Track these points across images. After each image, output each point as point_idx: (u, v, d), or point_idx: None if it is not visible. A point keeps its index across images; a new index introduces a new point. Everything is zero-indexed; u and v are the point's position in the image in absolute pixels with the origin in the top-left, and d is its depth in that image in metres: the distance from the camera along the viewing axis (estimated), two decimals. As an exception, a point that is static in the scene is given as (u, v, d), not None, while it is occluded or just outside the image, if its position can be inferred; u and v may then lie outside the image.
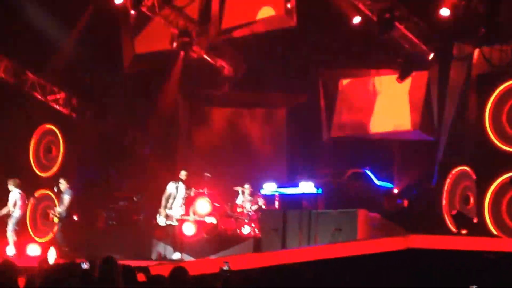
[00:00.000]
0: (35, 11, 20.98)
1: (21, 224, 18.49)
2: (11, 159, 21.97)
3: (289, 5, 20.04)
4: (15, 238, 17.99)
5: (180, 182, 16.91)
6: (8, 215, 18.05)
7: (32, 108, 22.30)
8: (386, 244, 12.19)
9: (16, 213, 18.02)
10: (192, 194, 17.25)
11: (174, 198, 16.84)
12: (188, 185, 16.97)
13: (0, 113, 22.11)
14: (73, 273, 8.19)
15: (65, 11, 20.97)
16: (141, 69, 22.18)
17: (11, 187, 18.13)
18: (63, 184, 17.51)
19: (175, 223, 16.65)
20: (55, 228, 17.53)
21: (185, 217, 17.20)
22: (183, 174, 17.03)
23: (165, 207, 16.83)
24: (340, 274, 6.72)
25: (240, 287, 7.72)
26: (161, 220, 16.93)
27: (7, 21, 21.33)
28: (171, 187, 16.93)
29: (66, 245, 16.88)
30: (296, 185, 17.94)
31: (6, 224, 18.07)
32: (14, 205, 18.04)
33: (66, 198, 17.18)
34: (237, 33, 21.03)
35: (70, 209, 17.24)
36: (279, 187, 18.56)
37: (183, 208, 16.92)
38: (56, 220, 17.22)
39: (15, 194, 18.07)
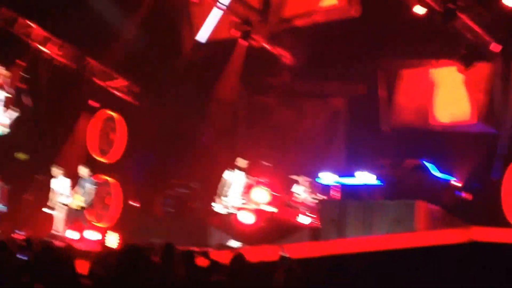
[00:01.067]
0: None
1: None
2: (72, 145, 22.28)
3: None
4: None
5: (237, 170, 16.94)
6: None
7: (92, 94, 22.54)
8: (447, 236, 12.05)
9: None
10: (250, 181, 17.27)
11: (230, 186, 16.87)
12: (246, 172, 17.00)
13: (60, 99, 22.41)
14: (135, 257, 8.24)
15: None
16: (201, 57, 22.25)
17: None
18: (86, 172, 17.66)
19: (233, 211, 16.71)
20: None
21: (243, 206, 17.22)
22: (241, 162, 17.06)
23: (222, 195, 16.88)
24: (399, 265, 6.64)
25: (302, 275, 7.69)
26: (218, 208, 16.99)
27: (69, 6, 21.61)
28: (227, 175, 16.99)
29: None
30: (354, 176, 17.85)
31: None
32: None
33: (92, 188, 17.39)
34: (298, 22, 20.96)
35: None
36: (337, 177, 18.48)
37: (241, 196, 16.95)
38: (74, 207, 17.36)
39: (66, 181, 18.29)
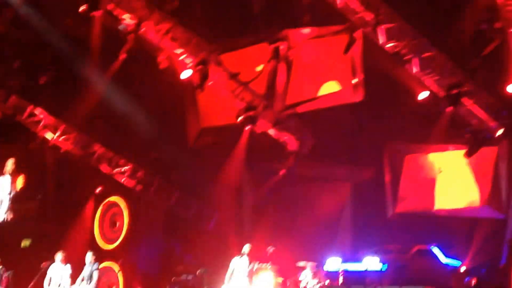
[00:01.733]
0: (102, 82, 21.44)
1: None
2: (77, 232, 22.21)
3: (355, 80, 20.04)
4: None
5: (244, 256, 16.82)
6: None
7: (98, 181, 22.56)
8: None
9: None
10: (254, 268, 17.10)
11: (237, 273, 16.73)
12: (251, 258, 16.85)
13: (66, 186, 22.45)
14: None
15: (132, 82, 21.39)
16: (206, 143, 22.31)
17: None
18: (89, 258, 17.55)
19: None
20: None
21: None
22: (246, 247, 16.96)
23: (228, 281, 16.73)
24: None
25: None
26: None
27: (76, 93, 21.84)
28: (234, 262, 16.87)
29: None
30: (360, 260, 17.68)
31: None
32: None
33: (95, 273, 17.24)
34: (302, 108, 21.08)
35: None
36: (343, 262, 18.30)
37: (247, 282, 16.75)
38: None
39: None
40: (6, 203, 17.00)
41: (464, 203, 20.29)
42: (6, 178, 17.36)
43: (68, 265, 18.17)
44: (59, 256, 18.16)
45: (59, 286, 18.00)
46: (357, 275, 17.35)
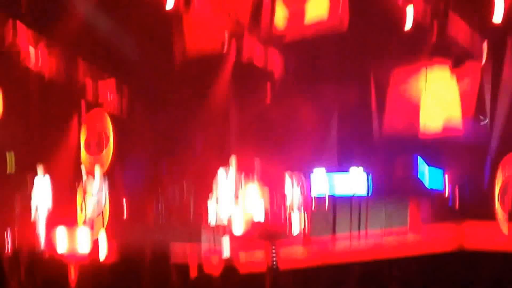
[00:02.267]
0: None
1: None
2: (61, 148, 22.27)
3: (339, 11, 20.01)
4: None
5: (230, 168, 16.94)
6: None
7: (83, 99, 22.51)
8: (438, 245, 12.07)
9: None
10: (242, 182, 17.18)
11: (224, 193, 16.80)
12: (238, 170, 16.99)
13: (51, 103, 22.38)
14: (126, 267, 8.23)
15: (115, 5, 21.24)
16: (192, 71, 22.27)
17: None
18: (97, 171, 17.72)
19: (225, 218, 16.63)
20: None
21: (235, 211, 17.04)
22: (232, 159, 17.10)
23: (215, 202, 16.84)
24: (389, 276, 6.68)
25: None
26: (211, 215, 16.90)
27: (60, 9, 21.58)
28: (221, 180, 16.93)
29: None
30: (346, 171, 17.84)
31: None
32: None
33: (104, 194, 17.43)
34: (287, 36, 21.03)
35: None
36: (329, 172, 18.47)
37: (233, 203, 16.84)
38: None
39: None
40: None
41: (448, 121, 20.39)
42: None
43: (47, 176, 18.25)
44: (40, 168, 18.26)
45: (42, 197, 18.17)
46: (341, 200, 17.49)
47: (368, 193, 16.77)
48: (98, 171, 17.92)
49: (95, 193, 17.68)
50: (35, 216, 18.07)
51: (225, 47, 20.60)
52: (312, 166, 19.18)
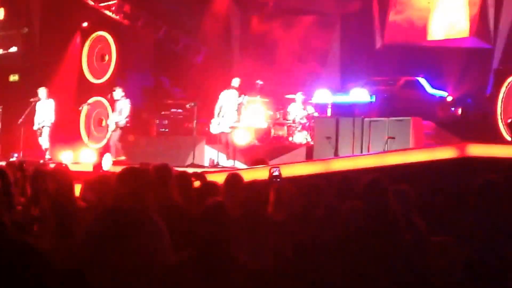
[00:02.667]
0: None
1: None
2: (65, 66, 22.20)
3: None
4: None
5: (233, 89, 16.94)
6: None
7: (84, 16, 22.33)
8: (441, 152, 12.07)
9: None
10: (244, 101, 17.24)
11: (227, 106, 16.90)
12: (240, 92, 16.99)
13: (53, 21, 22.22)
14: (132, 179, 8.25)
15: None
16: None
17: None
18: (118, 93, 17.72)
19: (227, 131, 16.77)
20: (111, 135, 17.81)
21: (237, 124, 17.22)
22: (235, 81, 17.06)
23: (218, 115, 16.92)
24: (393, 182, 6.70)
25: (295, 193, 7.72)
26: (213, 128, 17.05)
27: None
28: (224, 95, 17.00)
29: (124, 153, 17.17)
30: (348, 93, 17.83)
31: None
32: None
33: (126, 106, 17.44)
34: None
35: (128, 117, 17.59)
36: (332, 94, 18.44)
37: (236, 115, 16.96)
38: (112, 128, 17.51)
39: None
40: None
41: (452, 33, 20.27)
42: None
43: (51, 100, 18.32)
44: (42, 91, 18.29)
45: (43, 120, 18.25)
46: (345, 106, 17.48)
47: (370, 114, 16.73)
48: (119, 92, 17.99)
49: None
50: (39, 132, 18.20)
51: None
52: (314, 87, 19.14)
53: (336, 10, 21.89)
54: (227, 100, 16.93)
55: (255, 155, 16.78)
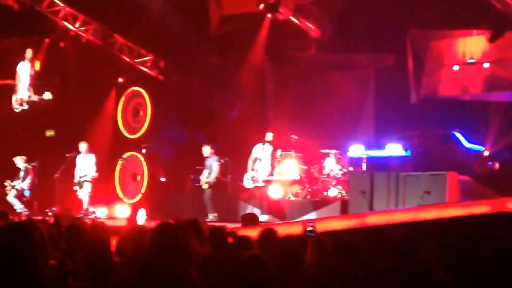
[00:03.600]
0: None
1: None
2: (100, 122, 22.41)
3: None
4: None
5: (267, 144, 16.97)
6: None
7: (120, 72, 22.60)
8: (478, 207, 11.94)
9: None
10: (278, 156, 17.26)
11: (260, 160, 16.91)
12: (274, 146, 17.00)
13: (88, 77, 22.51)
14: (166, 235, 8.25)
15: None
16: (227, 31, 22.15)
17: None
18: (206, 150, 17.88)
19: (261, 185, 16.74)
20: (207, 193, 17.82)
21: (272, 179, 17.21)
22: (269, 135, 17.10)
23: (252, 169, 16.93)
24: (430, 237, 6.58)
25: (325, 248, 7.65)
26: (247, 183, 17.04)
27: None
28: (257, 149, 17.03)
29: (214, 211, 17.25)
30: (383, 148, 17.76)
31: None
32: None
33: (215, 165, 17.59)
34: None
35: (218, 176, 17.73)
36: (366, 149, 18.38)
37: (270, 170, 16.95)
38: (205, 186, 17.62)
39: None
40: (26, 83, 17.53)
41: (489, 87, 20.17)
42: (26, 63, 17.83)
43: (92, 155, 18.52)
44: (82, 146, 18.49)
45: (85, 175, 18.42)
46: (380, 161, 17.40)
47: (405, 168, 16.63)
48: (207, 150, 18.19)
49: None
50: (79, 186, 18.37)
51: (261, 5, 20.27)
52: (349, 142, 19.10)
53: (371, 64, 21.92)
54: (261, 154, 16.94)
55: (289, 210, 16.77)
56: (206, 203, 17.78)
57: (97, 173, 18.55)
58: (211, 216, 17.33)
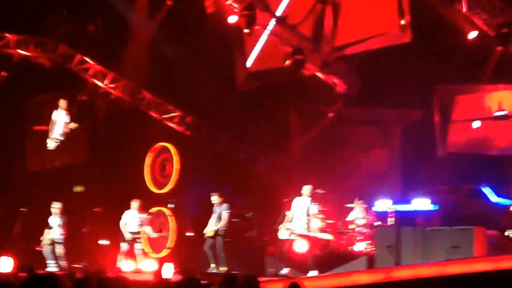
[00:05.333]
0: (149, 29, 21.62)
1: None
2: (128, 177, 22.57)
3: (403, 21, 19.84)
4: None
5: (304, 197, 16.86)
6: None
7: (148, 127, 22.82)
8: (507, 261, 11.85)
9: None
10: (314, 210, 17.07)
11: (297, 213, 16.78)
12: (313, 200, 16.93)
13: (117, 132, 22.76)
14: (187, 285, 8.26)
15: (179, 28, 21.49)
16: (254, 87, 22.35)
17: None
18: (215, 199, 17.93)
19: (296, 238, 16.54)
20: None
21: (308, 234, 16.91)
22: (306, 189, 16.99)
23: (288, 221, 16.81)
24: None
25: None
26: (282, 233, 16.87)
27: (124, 41, 22.05)
28: (295, 202, 16.93)
29: (226, 263, 17.21)
30: (410, 202, 17.68)
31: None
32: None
33: (225, 213, 17.62)
34: (350, 50, 20.90)
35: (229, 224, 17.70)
36: (393, 204, 18.30)
37: (306, 223, 16.76)
38: (210, 234, 17.61)
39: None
40: (61, 129, 17.76)
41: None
42: (60, 112, 18.13)
43: (144, 215, 18.62)
44: (135, 204, 18.61)
45: (133, 231, 18.49)
46: (407, 215, 17.31)
47: (432, 223, 16.54)
48: (215, 199, 18.22)
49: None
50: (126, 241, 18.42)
51: (288, 61, 20.45)
52: (376, 197, 19.06)
53: (398, 119, 21.96)
54: (298, 207, 16.83)
55: (316, 264, 16.57)
56: (218, 254, 17.66)
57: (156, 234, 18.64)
58: (221, 268, 17.22)
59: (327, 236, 17.98)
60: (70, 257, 19.01)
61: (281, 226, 17.02)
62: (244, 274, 7.86)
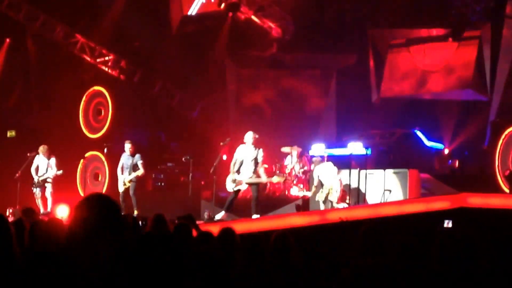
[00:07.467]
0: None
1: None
2: (61, 121, 22.26)
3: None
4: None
5: (248, 145, 16.24)
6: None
7: (81, 71, 22.49)
8: (438, 203, 12.05)
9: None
10: (259, 156, 16.67)
11: (243, 161, 16.19)
12: (256, 146, 16.59)
13: (50, 76, 22.38)
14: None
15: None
16: (189, 31, 22.14)
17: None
18: (129, 147, 17.68)
19: (244, 188, 16.13)
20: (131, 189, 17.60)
21: (255, 181, 16.46)
22: (248, 135, 16.35)
23: (237, 171, 16.24)
24: (390, 232, 6.64)
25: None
26: (229, 186, 16.33)
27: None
28: (239, 150, 16.28)
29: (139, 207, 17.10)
30: (345, 146, 17.78)
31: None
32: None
33: (140, 162, 17.40)
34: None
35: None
36: (328, 148, 18.37)
37: (252, 171, 16.25)
38: (128, 184, 17.41)
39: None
40: None
41: (448, 86, 20.35)
42: None
43: (53, 158, 18.30)
44: (42, 149, 18.26)
45: (45, 173, 18.21)
46: (342, 159, 17.41)
47: (367, 166, 16.67)
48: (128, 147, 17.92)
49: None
50: (37, 186, 18.15)
51: (223, 5, 20.25)
52: (311, 141, 19.11)
53: (332, 64, 21.99)
54: (243, 155, 16.18)
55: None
56: (132, 198, 17.54)
57: (61, 170, 18.29)
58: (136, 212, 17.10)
59: (277, 179, 17.58)
60: (3, 201, 18.78)
61: (227, 178, 16.62)
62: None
